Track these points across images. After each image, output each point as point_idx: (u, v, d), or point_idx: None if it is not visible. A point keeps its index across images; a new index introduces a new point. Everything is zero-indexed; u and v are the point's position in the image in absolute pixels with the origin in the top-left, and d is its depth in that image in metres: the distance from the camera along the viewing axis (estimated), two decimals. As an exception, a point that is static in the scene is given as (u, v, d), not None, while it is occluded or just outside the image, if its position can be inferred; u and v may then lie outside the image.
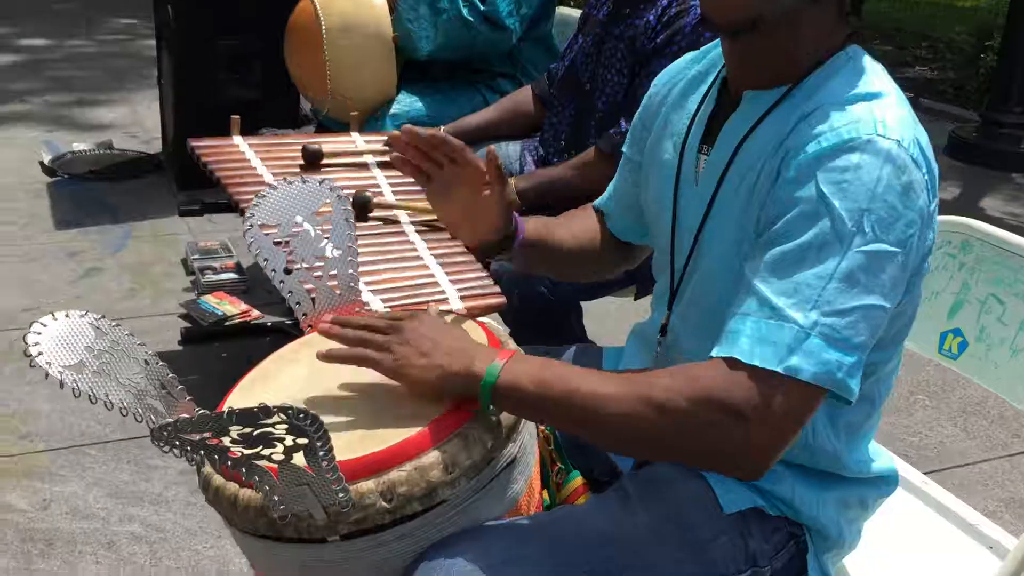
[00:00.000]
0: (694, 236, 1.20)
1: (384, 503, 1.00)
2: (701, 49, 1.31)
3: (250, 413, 0.87)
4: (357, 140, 2.62)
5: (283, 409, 0.87)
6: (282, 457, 0.94)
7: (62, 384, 1.04)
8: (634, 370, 1.12)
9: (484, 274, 2.09)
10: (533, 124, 2.56)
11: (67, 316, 1.12)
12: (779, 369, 0.97)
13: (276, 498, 0.98)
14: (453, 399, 1.08)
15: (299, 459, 0.95)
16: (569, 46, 2.42)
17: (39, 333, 1.08)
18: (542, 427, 1.27)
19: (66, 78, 5.87)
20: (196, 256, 3.37)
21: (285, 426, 0.90)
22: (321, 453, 0.94)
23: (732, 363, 0.99)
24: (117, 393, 1.07)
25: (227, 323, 2.97)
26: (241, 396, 1.20)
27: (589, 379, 1.05)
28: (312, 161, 2.17)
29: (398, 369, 1.09)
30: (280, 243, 1.32)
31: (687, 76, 1.30)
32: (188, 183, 3.48)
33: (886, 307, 1.02)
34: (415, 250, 2.12)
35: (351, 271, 1.34)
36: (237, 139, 2.47)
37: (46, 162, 4.25)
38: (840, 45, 1.12)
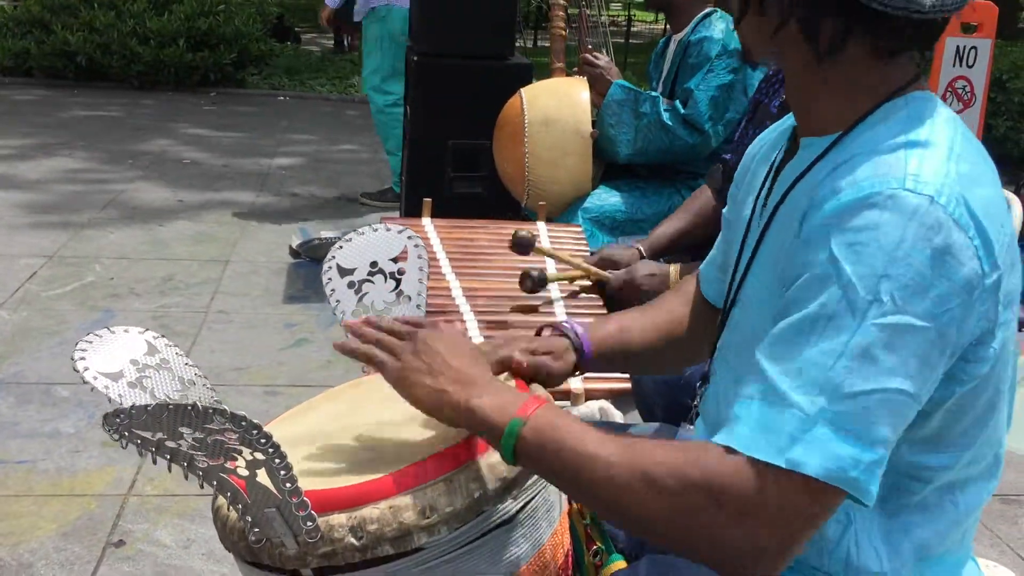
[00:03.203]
0: (736, 288, 1.10)
1: (353, 539, 0.95)
2: None
3: (184, 410, 0.86)
4: (541, 229, 2.66)
5: (219, 411, 0.86)
6: (247, 473, 0.92)
7: (92, 388, 1.09)
8: (646, 436, 1.01)
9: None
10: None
11: (126, 331, 1.18)
12: (780, 462, 0.84)
13: (248, 519, 0.96)
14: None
15: (264, 478, 0.93)
16: (740, 139, 2.31)
17: (90, 342, 1.14)
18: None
19: (335, 177, 6.40)
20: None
21: (235, 436, 0.88)
22: (282, 474, 0.92)
23: (732, 452, 0.87)
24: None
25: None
26: (277, 424, 1.20)
27: (585, 437, 0.94)
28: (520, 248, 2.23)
29: (401, 379, 1.05)
30: (354, 287, 1.33)
31: (780, 128, 1.20)
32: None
33: (911, 393, 0.86)
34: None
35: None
36: (425, 220, 2.61)
37: (294, 246, 4.62)
38: (904, 88, 0.97)
